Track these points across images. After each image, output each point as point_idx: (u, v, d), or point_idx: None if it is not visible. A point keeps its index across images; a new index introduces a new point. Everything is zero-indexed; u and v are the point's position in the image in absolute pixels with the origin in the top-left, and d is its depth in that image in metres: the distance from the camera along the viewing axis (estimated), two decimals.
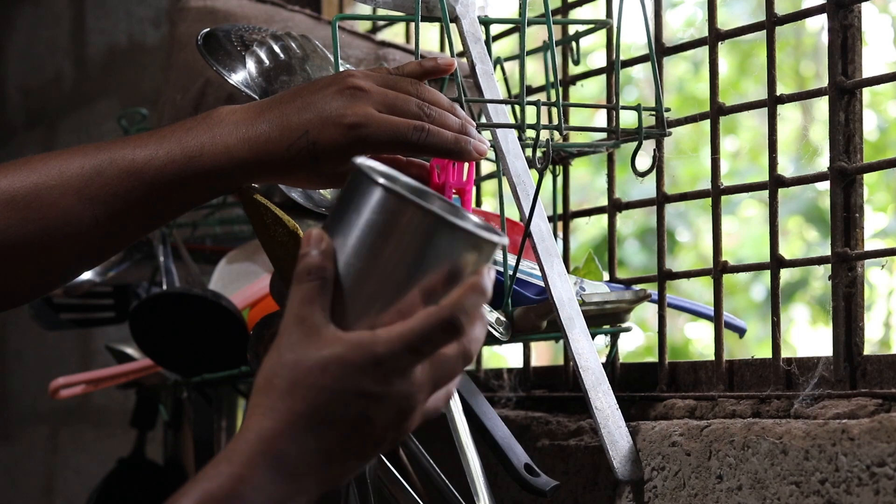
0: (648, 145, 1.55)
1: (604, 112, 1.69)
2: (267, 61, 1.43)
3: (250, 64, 1.40)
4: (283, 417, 1.02)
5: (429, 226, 1.02)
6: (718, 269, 1.56)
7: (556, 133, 1.47)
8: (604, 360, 1.63)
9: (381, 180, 1.03)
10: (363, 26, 2.22)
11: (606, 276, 1.69)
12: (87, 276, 2.00)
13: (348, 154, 1.20)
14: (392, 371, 1.02)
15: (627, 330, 1.63)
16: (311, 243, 1.05)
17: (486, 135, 1.53)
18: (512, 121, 1.50)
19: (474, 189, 1.95)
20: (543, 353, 3.44)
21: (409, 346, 1.01)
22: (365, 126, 1.22)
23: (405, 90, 1.25)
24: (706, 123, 1.58)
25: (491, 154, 1.73)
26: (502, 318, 1.49)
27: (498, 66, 1.62)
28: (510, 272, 1.48)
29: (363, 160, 1.05)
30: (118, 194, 1.24)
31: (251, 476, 1.01)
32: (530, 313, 1.50)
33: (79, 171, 1.24)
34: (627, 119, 1.57)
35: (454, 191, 1.34)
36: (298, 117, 1.22)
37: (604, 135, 1.58)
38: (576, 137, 1.68)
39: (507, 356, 3.23)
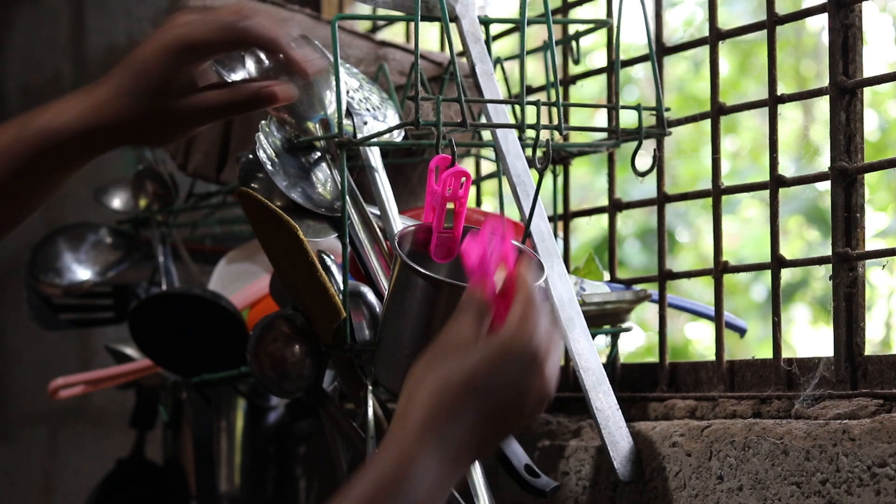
0: (649, 145, 1.54)
1: (604, 112, 1.69)
2: (266, 61, 1.43)
3: (249, 64, 1.40)
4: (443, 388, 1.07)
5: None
6: (719, 269, 1.56)
7: (556, 133, 1.47)
8: (604, 360, 1.63)
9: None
10: (363, 26, 2.22)
11: (607, 276, 1.69)
12: (86, 275, 2.00)
13: (179, 65, 1.27)
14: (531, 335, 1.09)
15: (628, 330, 1.62)
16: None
17: (487, 135, 1.53)
18: (512, 121, 1.50)
19: (473, 188, 1.95)
20: None
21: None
22: (186, 24, 1.27)
23: (223, 11, 1.30)
24: (707, 123, 1.58)
25: (491, 154, 1.73)
26: None
27: (498, 66, 1.62)
28: None
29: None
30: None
31: (419, 452, 1.05)
32: None
33: None
34: (627, 119, 1.57)
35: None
36: (127, 61, 1.31)
37: (604, 134, 1.57)
38: (576, 137, 1.68)
39: None
